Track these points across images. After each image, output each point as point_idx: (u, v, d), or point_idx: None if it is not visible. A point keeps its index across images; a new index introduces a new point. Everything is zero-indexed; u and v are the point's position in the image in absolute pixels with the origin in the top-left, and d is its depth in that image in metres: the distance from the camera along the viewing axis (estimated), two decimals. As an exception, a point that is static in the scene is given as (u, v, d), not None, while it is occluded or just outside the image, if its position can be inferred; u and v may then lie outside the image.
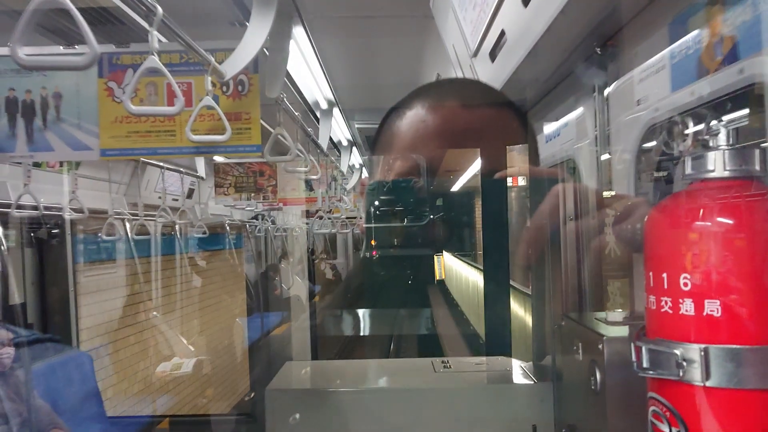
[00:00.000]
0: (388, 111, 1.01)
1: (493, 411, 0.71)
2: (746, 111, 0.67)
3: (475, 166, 0.88)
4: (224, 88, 2.07)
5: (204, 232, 5.89)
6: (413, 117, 0.94)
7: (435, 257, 0.96)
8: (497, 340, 0.83)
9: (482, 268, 0.85)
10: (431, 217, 0.84)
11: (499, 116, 0.94)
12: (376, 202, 0.86)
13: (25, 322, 3.30)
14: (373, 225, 0.86)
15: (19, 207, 3.28)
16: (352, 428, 0.70)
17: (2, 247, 3.29)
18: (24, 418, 3.02)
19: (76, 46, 2.03)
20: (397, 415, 0.71)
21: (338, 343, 1.03)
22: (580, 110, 1.34)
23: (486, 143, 0.86)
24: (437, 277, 0.98)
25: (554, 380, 0.68)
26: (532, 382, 0.72)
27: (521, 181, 0.78)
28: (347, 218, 6.85)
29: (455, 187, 0.91)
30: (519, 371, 0.76)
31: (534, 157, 0.95)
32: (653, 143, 0.97)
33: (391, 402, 0.72)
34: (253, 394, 1.02)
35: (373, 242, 0.90)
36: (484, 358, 0.82)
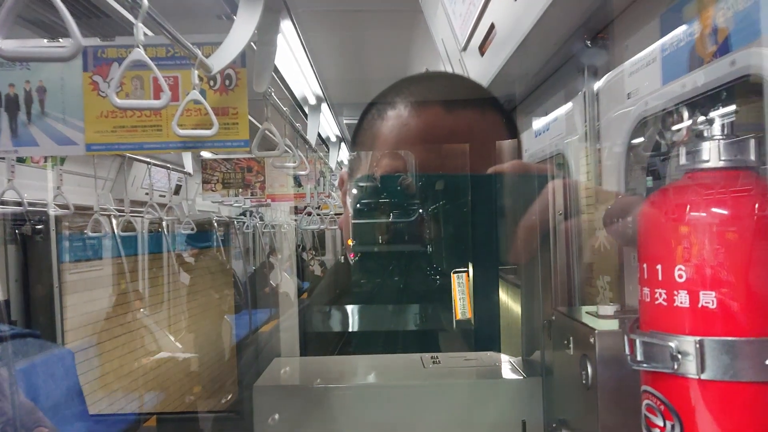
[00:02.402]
0: (368, 106, 0.98)
1: (483, 406, 0.70)
2: (740, 102, 0.67)
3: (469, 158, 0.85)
4: (211, 83, 2.05)
5: (192, 229, 5.86)
6: (395, 118, 0.92)
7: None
8: (486, 335, 0.82)
9: (473, 264, 0.83)
10: (422, 212, 0.82)
11: (484, 115, 0.92)
12: (358, 198, 0.83)
13: (9, 319, 3.26)
14: (353, 221, 0.82)
15: (3, 203, 3.24)
16: (341, 424, 0.69)
17: (-15, 244, 3.25)
18: (8, 417, 2.98)
19: (60, 39, 2.00)
20: (386, 411, 0.70)
21: None
22: (569, 104, 1.34)
23: (470, 143, 0.85)
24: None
25: (543, 375, 0.68)
26: (522, 378, 0.71)
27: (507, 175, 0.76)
28: (336, 214, 6.84)
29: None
30: (508, 366, 0.76)
31: (518, 155, 0.95)
32: (643, 137, 0.97)
33: (380, 398, 0.71)
34: (230, 396, 0.98)
35: (350, 242, 0.83)
36: (473, 354, 0.81)
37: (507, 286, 0.80)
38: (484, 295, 0.81)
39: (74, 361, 4.48)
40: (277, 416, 0.67)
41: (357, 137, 0.98)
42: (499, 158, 0.84)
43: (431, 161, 0.83)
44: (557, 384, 0.64)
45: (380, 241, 0.82)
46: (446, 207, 0.82)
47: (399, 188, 0.81)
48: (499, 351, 0.79)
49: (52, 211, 3.70)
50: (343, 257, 0.94)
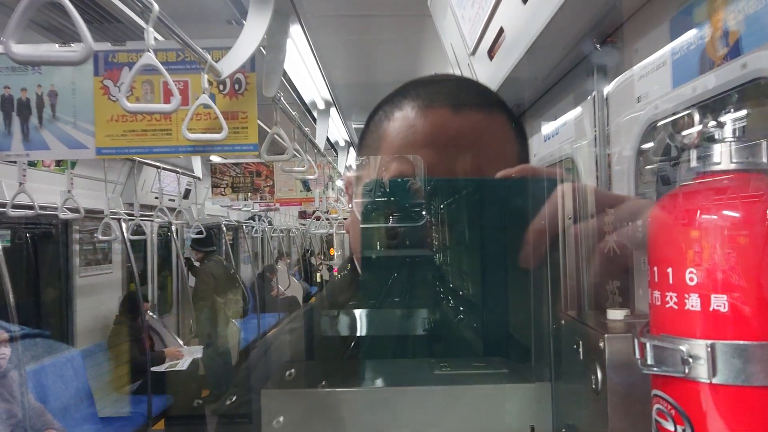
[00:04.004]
0: (375, 108, 0.98)
1: (491, 412, 0.70)
2: (751, 105, 0.67)
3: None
4: (221, 87, 2.07)
5: (200, 232, 5.89)
6: (402, 121, 0.91)
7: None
8: (495, 340, 0.82)
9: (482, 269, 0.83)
10: (429, 216, 0.82)
11: (491, 118, 0.92)
12: (365, 203, 0.82)
13: (20, 321, 3.29)
14: (360, 226, 0.82)
15: (15, 206, 3.26)
16: (349, 429, 0.68)
17: (-3, 247, 3.28)
18: (18, 419, 3.00)
19: (71, 44, 2.02)
20: (394, 416, 0.69)
21: None
22: (579, 109, 1.33)
23: (479, 148, 0.84)
24: None
25: (552, 381, 0.67)
26: (531, 383, 0.70)
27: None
28: (344, 219, 6.85)
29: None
30: (517, 372, 0.75)
31: (525, 158, 0.94)
32: (654, 142, 0.96)
33: (388, 403, 0.70)
34: (234, 398, 0.97)
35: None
36: (482, 359, 0.80)
37: (516, 289, 0.79)
38: (493, 300, 0.81)
39: (83, 363, 4.51)
40: (281, 419, 0.67)
41: (364, 140, 0.97)
42: (507, 161, 0.83)
43: (438, 164, 0.83)
44: (566, 389, 0.63)
45: (387, 245, 0.82)
46: (454, 211, 0.82)
47: (407, 192, 0.81)
48: (508, 356, 0.79)
49: (63, 215, 3.73)
50: (349, 265, 0.93)
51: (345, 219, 5.52)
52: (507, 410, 0.69)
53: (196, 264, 6.60)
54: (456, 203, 0.83)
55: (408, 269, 0.86)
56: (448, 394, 0.70)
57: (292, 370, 0.75)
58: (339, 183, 5.68)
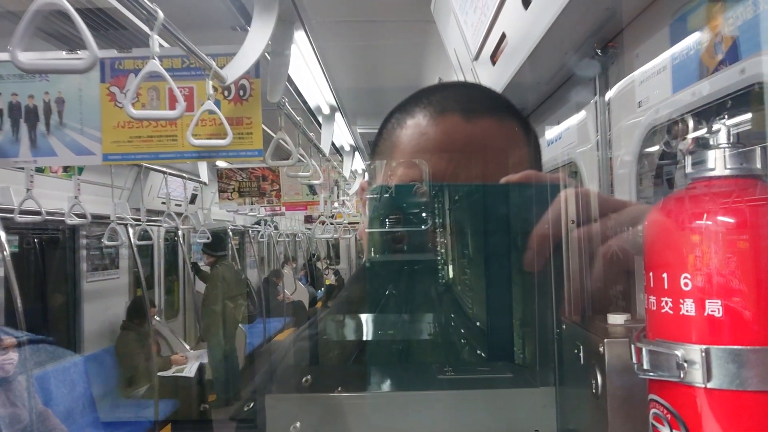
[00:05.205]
0: (388, 115, 0.99)
1: (496, 417, 0.70)
2: (749, 110, 0.67)
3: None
4: (226, 93, 2.08)
5: (207, 238, 5.90)
6: (414, 128, 0.92)
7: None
8: (500, 345, 0.82)
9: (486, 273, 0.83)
10: (436, 221, 0.82)
11: (505, 127, 0.92)
12: (373, 208, 0.83)
13: (28, 327, 3.31)
14: (367, 231, 0.82)
15: (22, 212, 3.28)
16: (353, 433, 0.69)
17: (4, 252, 3.30)
18: (24, 425, 3.02)
19: (78, 52, 2.04)
20: (399, 421, 0.70)
21: None
22: (581, 113, 1.33)
23: (492, 154, 0.85)
24: None
25: (556, 385, 0.67)
26: (535, 388, 0.71)
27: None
28: (349, 223, 6.85)
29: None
30: (521, 376, 0.75)
31: (537, 163, 0.94)
32: (658, 146, 0.96)
33: (393, 408, 0.71)
34: (252, 404, 0.97)
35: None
36: (486, 364, 0.80)
37: (521, 294, 0.80)
38: (497, 304, 0.81)
39: (90, 368, 4.53)
40: (298, 424, 0.67)
41: (377, 147, 0.98)
42: (521, 167, 0.83)
43: (451, 170, 0.83)
44: (569, 394, 0.63)
45: (395, 249, 0.82)
46: (464, 216, 0.82)
47: (416, 197, 0.81)
48: (513, 361, 0.79)
49: (70, 220, 3.75)
50: (361, 271, 0.94)
51: (350, 224, 5.52)
52: (511, 414, 0.69)
53: (205, 268, 6.61)
54: (466, 208, 0.83)
55: (418, 274, 0.86)
56: (452, 398, 0.70)
57: (309, 376, 0.75)
58: (345, 188, 5.67)
